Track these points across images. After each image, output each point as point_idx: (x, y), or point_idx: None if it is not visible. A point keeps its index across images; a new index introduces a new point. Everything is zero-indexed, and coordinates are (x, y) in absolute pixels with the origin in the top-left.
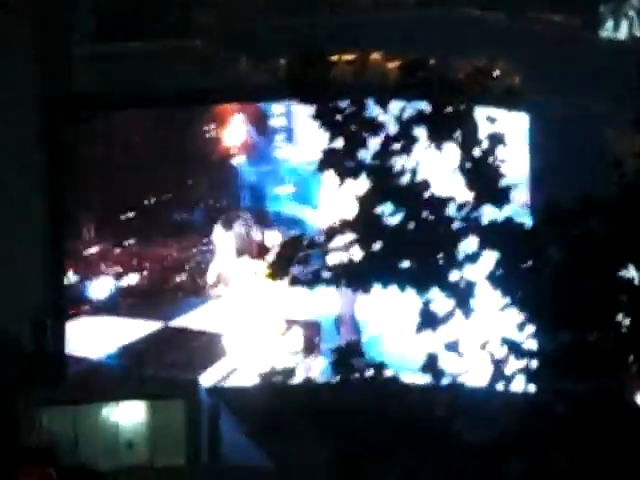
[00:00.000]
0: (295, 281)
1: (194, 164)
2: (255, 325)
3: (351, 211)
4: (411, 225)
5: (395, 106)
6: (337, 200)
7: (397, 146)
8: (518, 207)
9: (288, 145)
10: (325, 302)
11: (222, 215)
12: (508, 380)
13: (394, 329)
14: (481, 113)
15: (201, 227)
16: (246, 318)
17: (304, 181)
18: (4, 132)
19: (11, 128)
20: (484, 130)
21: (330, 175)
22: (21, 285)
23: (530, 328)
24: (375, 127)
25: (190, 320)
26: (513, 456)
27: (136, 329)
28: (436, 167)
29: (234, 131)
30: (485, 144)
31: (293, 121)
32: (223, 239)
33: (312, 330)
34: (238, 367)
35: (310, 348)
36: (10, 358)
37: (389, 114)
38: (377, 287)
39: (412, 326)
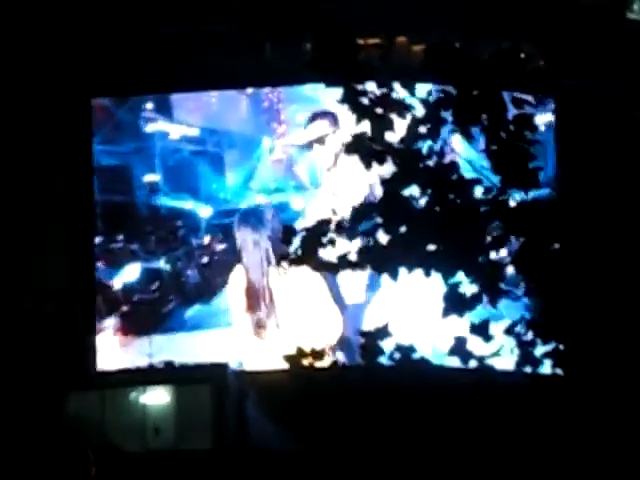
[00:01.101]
0: (321, 265)
1: None
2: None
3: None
4: (437, 208)
5: (422, 89)
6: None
7: (423, 129)
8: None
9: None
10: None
11: None
12: (535, 363)
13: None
14: (508, 96)
15: None
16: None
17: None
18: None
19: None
20: (511, 113)
21: (325, 157)
22: (51, 269)
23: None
24: (402, 110)
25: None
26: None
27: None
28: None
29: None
30: (512, 127)
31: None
32: None
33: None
34: (265, 350)
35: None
36: (39, 343)
37: (416, 97)
38: (403, 271)
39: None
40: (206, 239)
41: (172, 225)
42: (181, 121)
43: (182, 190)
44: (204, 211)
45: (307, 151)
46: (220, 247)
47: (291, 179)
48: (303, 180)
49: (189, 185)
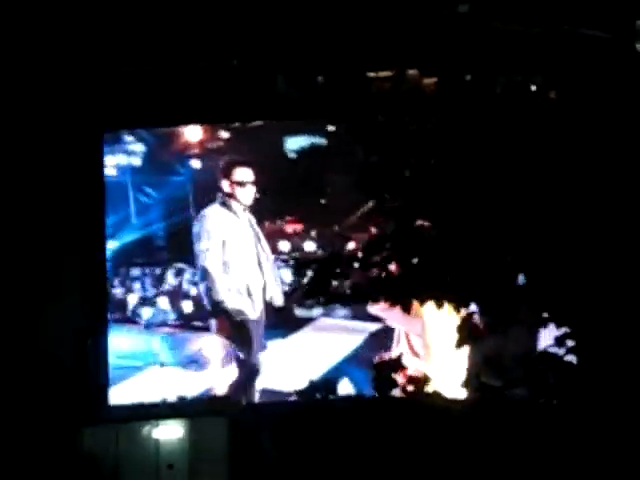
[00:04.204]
0: (334, 297)
1: None
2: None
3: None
4: (449, 239)
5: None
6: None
7: (434, 160)
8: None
9: None
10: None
11: None
12: (548, 395)
13: None
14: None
15: None
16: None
17: None
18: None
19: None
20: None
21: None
22: (64, 304)
23: (570, 342)
24: (412, 143)
25: None
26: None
27: None
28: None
29: None
30: (525, 156)
31: None
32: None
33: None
34: (279, 383)
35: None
36: (51, 377)
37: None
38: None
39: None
40: None
41: None
42: None
43: None
44: None
45: None
46: None
47: None
48: None
49: None
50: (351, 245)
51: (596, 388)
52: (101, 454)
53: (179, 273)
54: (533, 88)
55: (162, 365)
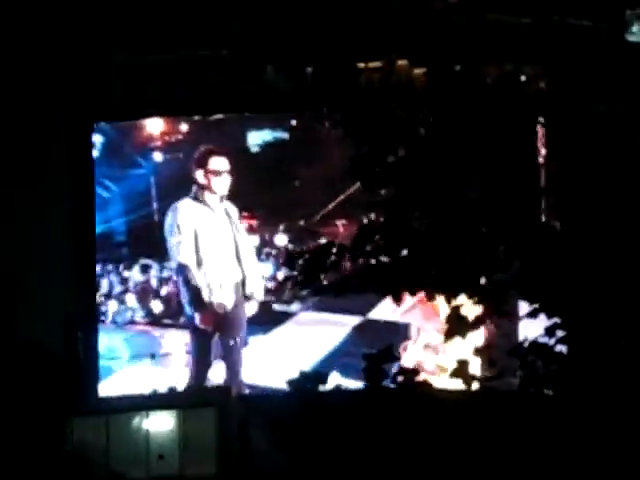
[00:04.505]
0: (323, 288)
1: None
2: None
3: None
4: (440, 230)
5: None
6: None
7: (425, 152)
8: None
9: None
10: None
11: None
12: (539, 385)
13: None
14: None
15: None
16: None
17: None
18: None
19: (42, 136)
20: (512, 134)
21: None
22: (53, 294)
23: (560, 333)
24: (402, 133)
25: None
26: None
27: None
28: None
29: None
30: (514, 148)
31: None
32: None
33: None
34: (268, 373)
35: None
36: (42, 368)
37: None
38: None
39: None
40: None
41: None
42: None
43: None
44: None
45: None
46: None
47: None
48: None
49: None
50: (322, 240)
51: (587, 378)
52: (91, 445)
53: (145, 269)
54: (523, 78)
55: (153, 357)
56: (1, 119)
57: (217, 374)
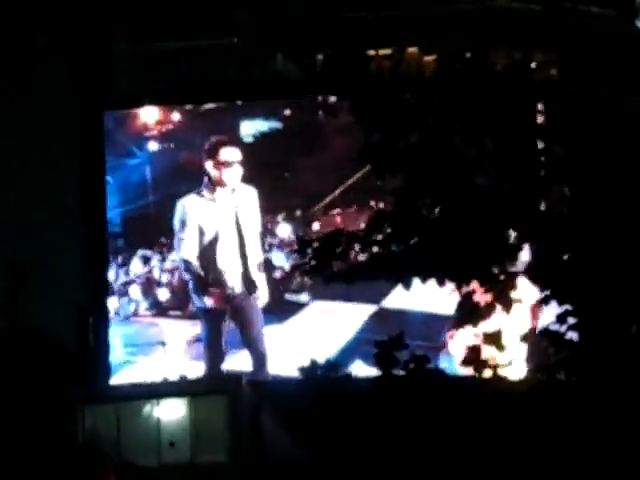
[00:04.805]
0: (334, 276)
1: None
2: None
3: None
4: (450, 218)
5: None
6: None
7: (435, 139)
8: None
9: None
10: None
11: None
12: (549, 372)
13: None
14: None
15: None
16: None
17: None
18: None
19: (48, 128)
20: (520, 121)
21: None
22: (64, 283)
23: (570, 320)
24: (413, 121)
25: None
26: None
27: None
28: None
29: None
30: (523, 135)
31: None
32: None
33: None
34: (280, 361)
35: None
36: (54, 356)
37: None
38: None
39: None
40: None
41: None
42: None
43: None
44: None
45: None
46: None
47: None
48: None
49: None
50: (315, 226)
51: (598, 365)
52: (103, 433)
53: (146, 261)
54: (533, 65)
55: (164, 345)
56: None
57: (243, 363)
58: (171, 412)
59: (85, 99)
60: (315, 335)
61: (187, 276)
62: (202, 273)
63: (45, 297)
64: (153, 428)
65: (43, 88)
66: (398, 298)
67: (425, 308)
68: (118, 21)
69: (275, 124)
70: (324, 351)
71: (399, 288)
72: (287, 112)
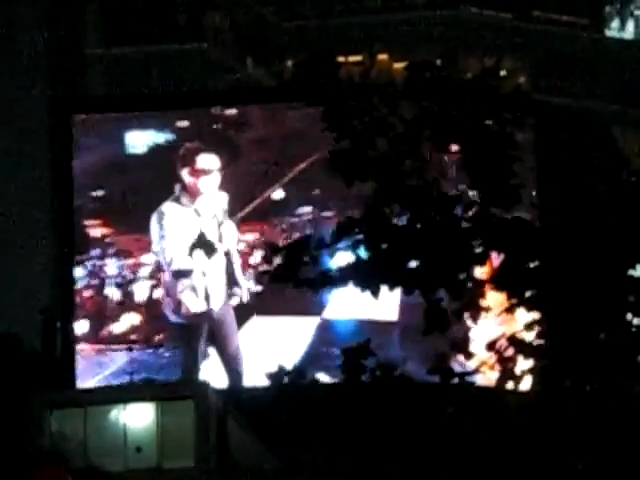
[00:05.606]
0: (302, 282)
1: None
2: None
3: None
4: (418, 225)
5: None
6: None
7: (404, 146)
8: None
9: None
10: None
11: None
12: (517, 379)
13: None
14: (489, 113)
15: None
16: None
17: None
18: (15, 135)
19: (22, 130)
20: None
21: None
22: (30, 288)
23: (538, 327)
24: (382, 128)
25: None
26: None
27: None
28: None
29: None
30: (493, 144)
31: None
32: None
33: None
34: (247, 367)
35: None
36: (18, 360)
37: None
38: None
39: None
40: None
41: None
42: None
43: None
44: None
45: None
46: None
47: None
48: None
49: None
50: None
51: (566, 372)
52: (69, 437)
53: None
54: (503, 73)
55: (131, 350)
56: None
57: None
58: (138, 417)
59: (55, 103)
60: (264, 347)
61: (166, 287)
62: (181, 290)
63: (11, 300)
64: (120, 433)
65: (15, 89)
66: (336, 308)
67: (365, 316)
68: (90, 26)
69: (167, 136)
70: (284, 360)
71: (337, 298)
72: (180, 124)
